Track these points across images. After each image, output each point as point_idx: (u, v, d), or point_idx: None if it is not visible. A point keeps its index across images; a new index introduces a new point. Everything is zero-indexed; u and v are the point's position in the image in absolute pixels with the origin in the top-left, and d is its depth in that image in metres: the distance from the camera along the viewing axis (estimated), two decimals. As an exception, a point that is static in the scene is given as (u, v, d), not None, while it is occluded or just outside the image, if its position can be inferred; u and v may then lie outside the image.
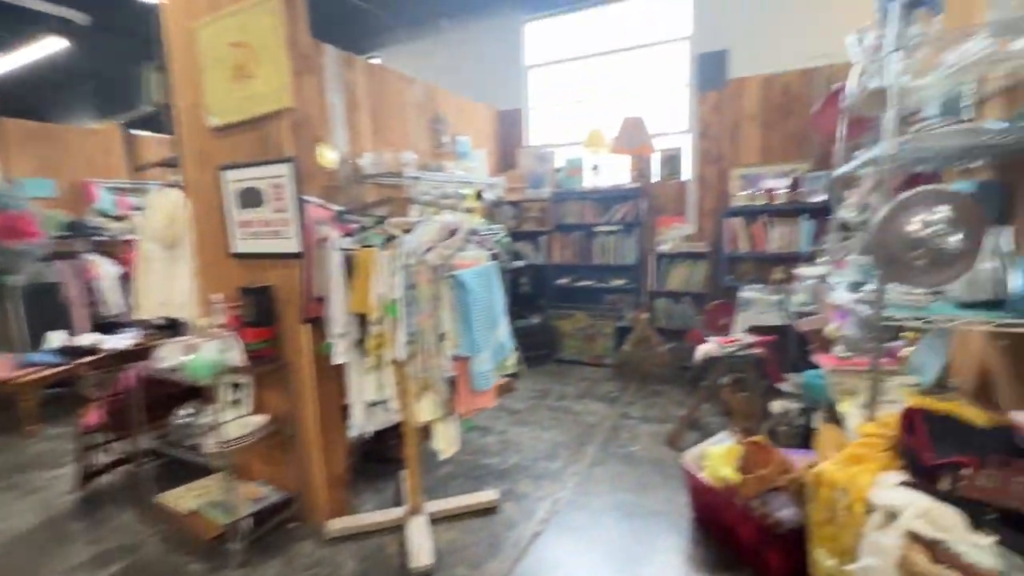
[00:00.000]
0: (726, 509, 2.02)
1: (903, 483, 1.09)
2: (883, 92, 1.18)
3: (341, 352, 1.98)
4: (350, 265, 2.07)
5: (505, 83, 5.01)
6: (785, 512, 1.83)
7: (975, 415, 1.10)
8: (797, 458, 2.09)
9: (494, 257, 2.11)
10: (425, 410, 1.98)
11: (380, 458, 2.81)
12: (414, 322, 1.85)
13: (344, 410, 2.23)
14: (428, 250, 1.79)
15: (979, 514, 0.98)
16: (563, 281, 4.68)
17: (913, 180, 2.16)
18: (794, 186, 3.89)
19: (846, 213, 2.00)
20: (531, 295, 4.83)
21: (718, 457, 2.06)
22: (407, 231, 1.98)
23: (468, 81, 4.88)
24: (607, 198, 4.52)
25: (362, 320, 2.05)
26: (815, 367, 2.44)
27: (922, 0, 1.18)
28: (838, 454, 1.21)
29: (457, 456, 2.84)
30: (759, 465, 2.05)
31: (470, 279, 1.78)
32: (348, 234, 2.09)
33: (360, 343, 2.11)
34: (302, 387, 2.11)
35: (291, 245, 1.99)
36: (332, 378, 2.20)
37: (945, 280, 1.17)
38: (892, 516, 1.04)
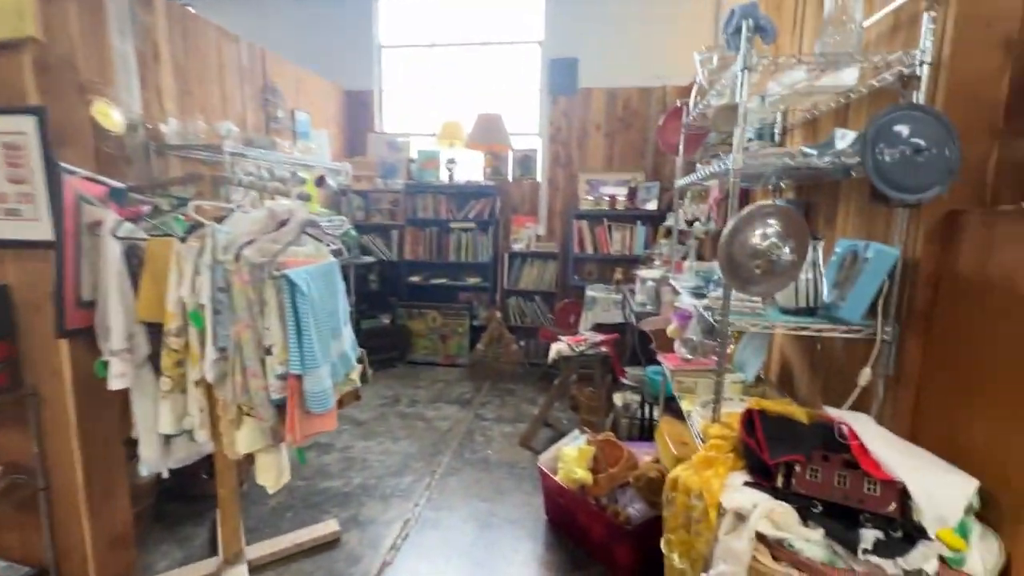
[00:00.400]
0: (579, 509, 2.04)
1: (747, 483, 1.14)
2: (734, 109, 1.23)
3: (118, 374, 1.51)
4: (138, 260, 1.59)
5: (355, 61, 4.56)
6: (633, 508, 1.90)
7: (800, 413, 1.21)
8: (641, 451, 2.22)
9: (336, 254, 1.81)
10: (245, 440, 1.61)
11: (188, 496, 2.29)
12: (227, 333, 1.48)
13: (132, 445, 1.73)
14: (248, 243, 1.44)
15: (809, 508, 1.05)
16: (416, 279, 4.44)
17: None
18: (631, 194, 4.23)
19: (682, 220, 2.16)
20: (381, 293, 4.49)
21: (572, 459, 2.07)
22: (221, 219, 1.58)
23: (310, 53, 4.32)
24: (463, 194, 4.40)
25: (157, 331, 1.59)
26: (653, 362, 2.64)
27: (762, 27, 1.26)
28: (693, 457, 1.23)
29: (292, 483, 2.45)
30: (610, 463, 2.12)
31: (305, 280, 1.48)
32: (134, 218, 1.61)
33: (153, 360, 1.64)
34: (57, 424, 1.56)
35: (38, 230, 1.45)
36: (110, 406, 1.69)
37: (777, 288, 1.27)
38: (741, 518, 1.07)
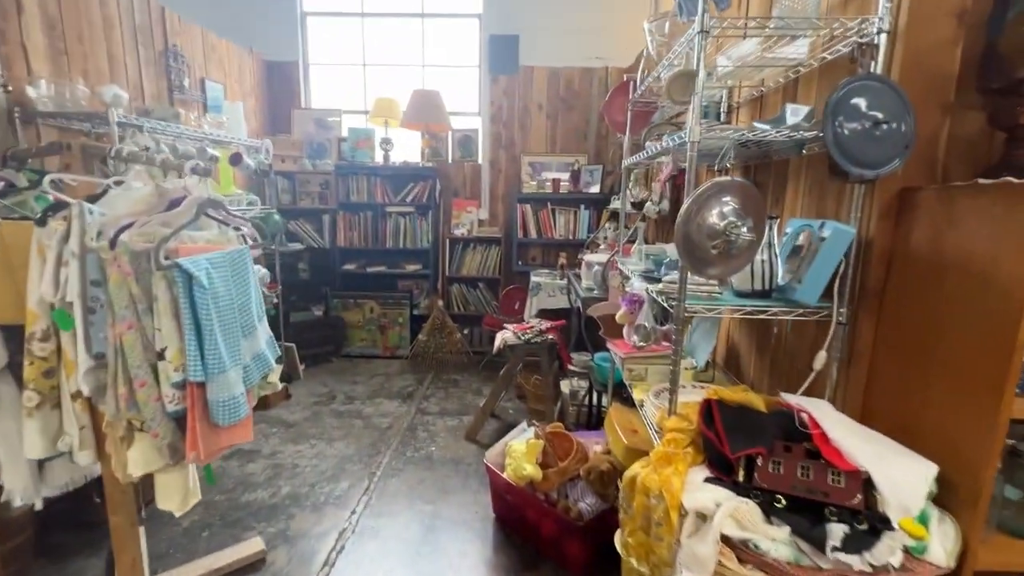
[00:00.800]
0: (529, 506, 1.95)
1: (707, 479, 1.07)
2: (690, 76, 1.13)
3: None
4: (-16, 247, 1.29)
5: (276, 28, 4.14)
6: (584, 503, 1.83)
7: (758, 401, 1.15)
8: (590, 440, 2.15)
9: (250, 238, 1.57)
10: (138, 460, 1.36)
11: (80, 523, 1.97)
12: (105, 336, 1.22)
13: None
14: (126, 227, 1.18)
15: (772, 503, 0.99)
16: (351, 267, 4.15)
17: (678, 178, 2.39)
18: (575, 178, 4.15)
19: (628, 203, 2.08)
20: (312, 283, 4.17)
21: (520, 454, 1.97)
22: (95, 198, 1.31)
23: (224, 16, 3.87)
24: (400, 176, 4.14)
25: (17, 335, 1.30)
26: (601, 348, 2.58)
27: (716, -10, 1.16)
28: (650, 454, 1.14)
29: (209, 497, 2.20)
30: (559, 455, 2.03)
31: (205, 270, 1.24)
32: (-22, 197, 1.30)
33: (14, 370, 1.35)
34: None
35: None
36: (-41, 428, 1.38)
37: (735, 269, 1.20)
38: (704, 518, 0.99)
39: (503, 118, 4.23)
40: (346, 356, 4.12)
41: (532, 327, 2.80)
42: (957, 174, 1.13)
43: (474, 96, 4.32)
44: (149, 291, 1.23)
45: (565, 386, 3.10)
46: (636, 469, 1.16)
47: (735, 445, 1.06)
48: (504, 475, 1.99)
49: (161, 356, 1.25)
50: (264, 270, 3.28)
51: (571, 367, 2.95)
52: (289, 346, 3.59)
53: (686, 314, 1.22)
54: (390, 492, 2.31)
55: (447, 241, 4.19)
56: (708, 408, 1.16)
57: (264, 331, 1.56)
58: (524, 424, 2.31)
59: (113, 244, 1.17)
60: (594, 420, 2.73)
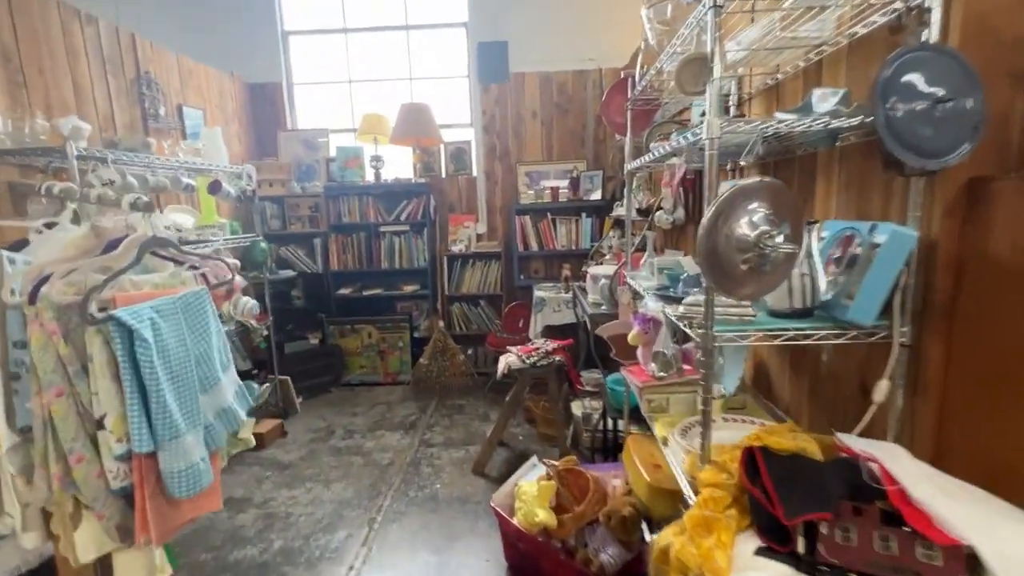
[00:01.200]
0: (544, 557, 1.74)
1: (759, 550, 0.86)
2: (702, 60, 0.95)
3: None
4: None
5: (257, 50, 4.02)
6: (606, 554, 1.61)
7: (812, 447, 0.95)
8: (608, 474, 1.94)
9: (219, 277, 1.40)
10: (88, 542, 1.18)
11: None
12: (30, 406, 1.04)
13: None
14: (46, 278, 1.01)
15: (844, 584, 0.78)
16: (346, 291, 3.98)
17: (686, 180, 2.20)
18: (574, 185, 3.97)
19: (633, 210, 1.89)
20: (307, 310, 4.00)
21: (531, 497, 1.76)
22: (19, 244, 1.13)
23: (203, 41, 3.75)
24: (392, 194, 3.98)
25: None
26: (613, 367, 2.38)
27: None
28: (684, 518, 0.94)
29: (193, 557, 2.01)
30: (575, 495, 1.82)
31: (149, 322, 1.07)
32: None
33: (-61, 446, 1.17)
34: None
35: None
36: None
37: (770, 287, 1.01)
38: (760, 609, 0.78)
39: (496, 128, 4.07)
40: (346, 385, 3.93)
41: (538, 348, 2.61)
42: (1037, 159, 0.93)
43: (465, 107, 4.17)
44: (83, 350, 1.05)
45: (577, 407, 2.89)
46: (668, 537, 0.95)
47: (791, 508, 0.86)
48: (514, 521, 1.79)
49: (100, 425, 1.06)
50: (252, 301, 3.11)
51: (582, 387, 2.74)
52: (284, 379, 3.41)
53: (718, 344, 1.02)
54: (391, 541, 2.10)
55: (445, 258, 4.01)
56: (751, 458, 0.96)
57: (231, 381, 1.37)
58: (534, 459, 2.10)
59: (33, 299, 0.99)
60: (610, 445, 2.51)
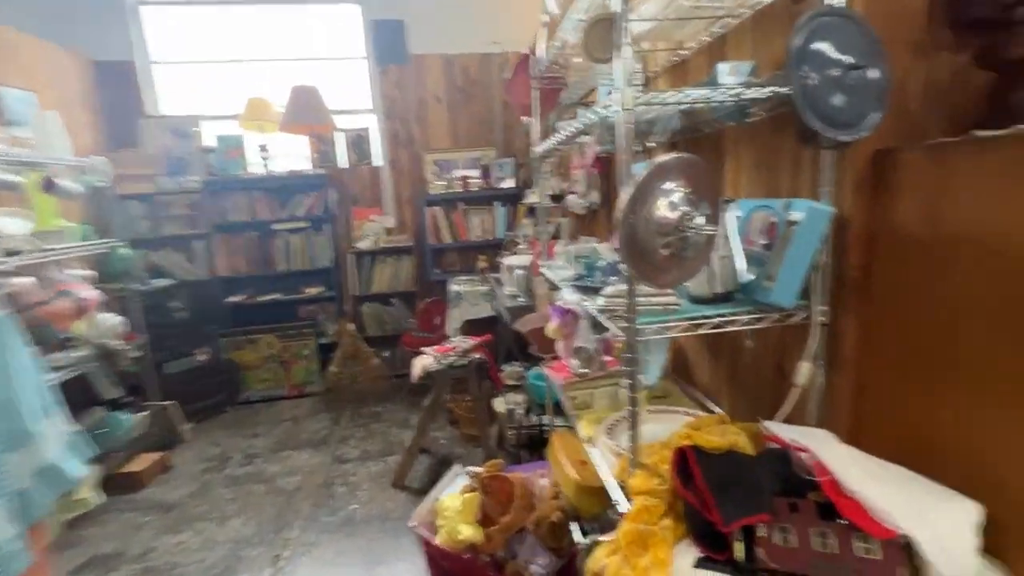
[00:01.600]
0: (471, 574, 1.61)
1: (700, 561, 0.78)
2: (609, 22, 0.84)
3: None
4: None
5: (102, 21, 3.41)
6: (537, 565, 1.51)
7: (743, 441, 0.89)
8: (535, 474, 1.84)
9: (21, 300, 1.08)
10: None
11: None
12: None
13: None
14: None
15: (785, 589, 0.72)
16: (237, 298, 3.54)
17: (597, 164, 2.14)
18: (485, 173, 3.83)
19: (546, 196, 1.79)
20: (192, 323, 3.51)
21: (454, 513, 1.62)
22: None
23: (32, 8, 3.10)
24: (285, 187, 3.59)
25: None
26: (533, 358, 2.29)
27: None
28: (618, 532, 0.84)
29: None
30: (500, 501, 1.71)
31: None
32: None
33: None
34: None
35: None
36: None
37: (692, 273, 0.93)
38: (705, 633, 0.70)
39: (398, 113, 3.81)
40: (244, 403, 3.52)
41: (455, 348, 2.45)
42: (934, 129, 0.93)
43: (365, 91, 3.85)
44: None
45: (501, 404, 2.78)
46: (602, 559, 0.85)
47: (728, 512, 0.79)
48: (437, 540, 1.63)
49: None
50: (116, 318, 2.65)
51: (503, 385, 2.64)
52: (166, 405, 2.96)
53: (642, 337, 0.94)
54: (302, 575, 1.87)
55: (351, 256, 3.71)
56: (682, 459, 0.88)
57: (57, 431, 1.08)
58: (456, 468, 1.95)
59: None
60: (537, 441, 2.43)
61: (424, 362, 2.38)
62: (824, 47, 0.85)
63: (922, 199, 0.85)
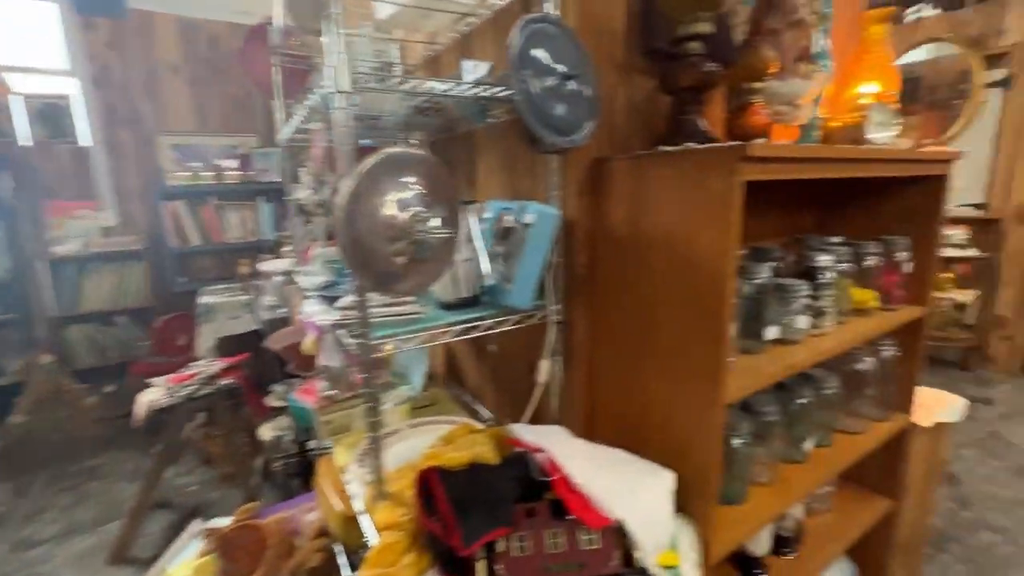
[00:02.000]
0: (212, 656, 1.30)
1: (440, 595, 0.72)
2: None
3: None
4: None
5: None
6: (295, 622, 1.30)
7: (487, 449, 0.86)
8: (303, 509, 1.60)
9: None
10: None
11: None
12: None
13: None
14: None
15: (526, 601, 0.70)
16: None
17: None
18: (245, 164, 3.31)
19: (301, 192, 1.57)
20: None
21: (183, 586, 1.29)
22: None
23: None
24: (-87, 167, 2.49)
25: None
26: (295, 378, 2.02)
27: None
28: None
29: None
30: (251, 558, 1.42)
31: None
32: None
33: None
34: None
35: None
36: None
37: (432, 279, 0.86)
38: None
39: (116, 81, 3.00)
40: None
41: (196, 374, 2.01)
42: (637, 142, 1.04)
43: (57, 45, 2.93)
44: None
45: (267, 432, 2.40)
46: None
47: (470, 532, 0.74)
48: (160, 627, 1.28)
49: None
50: None
51: (266, 409, 2.28)
52: None
53: (380, 353, 0.83)
54: None
55: (46, 264, 2.78)
56: (426, 484, 0.81)
57: None
58: (194, 524, 1.58)
59: None
60: (309, 470, 2.15)
61: (149, 397, 1.88)
62: (540, 54, 0.87)
63: (627, 204, 0.94)
